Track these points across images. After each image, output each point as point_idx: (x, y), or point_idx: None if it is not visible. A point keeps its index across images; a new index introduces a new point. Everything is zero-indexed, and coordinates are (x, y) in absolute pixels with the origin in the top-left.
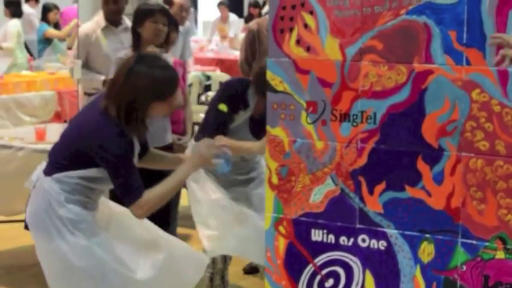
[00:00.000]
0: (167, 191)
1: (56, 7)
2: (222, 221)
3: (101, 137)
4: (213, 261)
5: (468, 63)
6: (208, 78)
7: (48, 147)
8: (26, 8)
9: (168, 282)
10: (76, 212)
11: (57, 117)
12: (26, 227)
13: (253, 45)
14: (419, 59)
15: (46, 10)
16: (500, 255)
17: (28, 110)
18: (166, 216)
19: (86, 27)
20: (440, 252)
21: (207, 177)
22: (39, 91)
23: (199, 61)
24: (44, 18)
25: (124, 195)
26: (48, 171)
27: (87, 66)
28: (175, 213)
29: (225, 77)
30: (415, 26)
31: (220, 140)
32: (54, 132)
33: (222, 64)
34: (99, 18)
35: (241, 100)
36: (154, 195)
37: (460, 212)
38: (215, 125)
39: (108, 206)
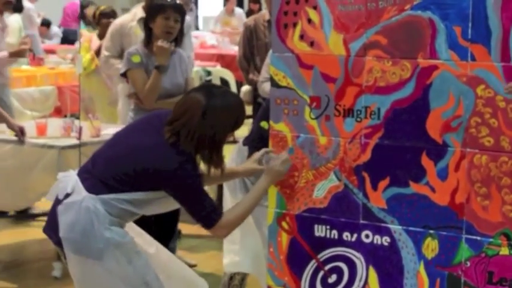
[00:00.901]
0: (246, 208)
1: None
2: (248, 237)
3: (172, 167)
4: (231, 277)
5: (473, 58)
6: (208, 73)
7: (50, 141)
8: (25, 3)
9: None
10: (120, 233)
11: (58, 111)
12: (57, 243)
13: (251, 41)
14: (424, 55)
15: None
16: (505, 251)
17: (28, 104)
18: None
19: (122, 18)
20: (445, 248)
21: (243, 189)
22: (39, 86)
23: (199, 56)
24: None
25: (204, 219)
26: (92, 189)
27: (122, 57)
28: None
29: (225, 72)
30: (420, 21)
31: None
32: (55, 126)
33: (223, 59)
34: (137, 10)
35: None
36: (235, 215)
37: (464, 208)
38: (255, 142)
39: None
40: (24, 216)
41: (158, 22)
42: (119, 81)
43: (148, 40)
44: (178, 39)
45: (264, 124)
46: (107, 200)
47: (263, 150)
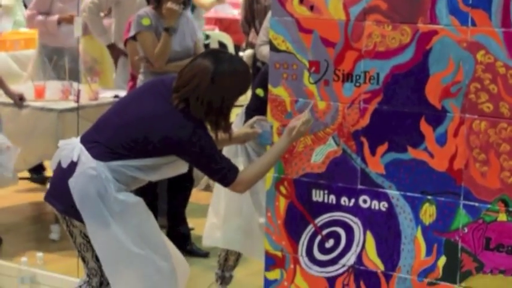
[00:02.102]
0: (265, 166)
1: None
2: (231, 211)
3: (189, 132)
4: (226, 259)
5: (473, 24)
6: (207, 37)
7: (48, 104)
8: None
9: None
10: (130, 195)
11: None
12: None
13: (252, 5)
14: (424, 20)
15: None
16: (502, 217)
17: (26, 67)
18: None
19: None
20: (442, 214)
21: (244, 152)
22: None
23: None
24: None
25: (223, 178)
26: (99, 156)
27: (112, 14)
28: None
29: (223, 35)
30: None
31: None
32: (53, 89)
33: (221, 23)
34: None
35: None
36: (253, 171)
37: (462, 174)
38: (252, 110)
39: None
40: (39, 178)
41: None
42: (95, 34)
43: (158, 2)
44: (186, 1)
45: (259, 91)
46: (116, 167)
47: (255, 117)
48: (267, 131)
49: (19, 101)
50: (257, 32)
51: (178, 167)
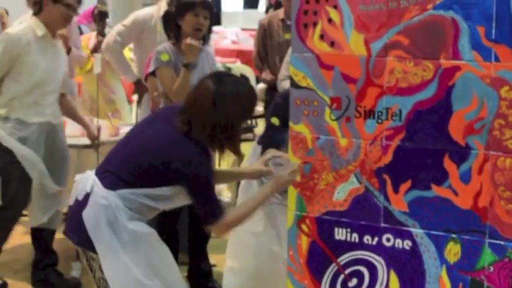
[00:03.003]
0: (249, 211)
1: None
2: (248, 255)
3: (187, 156)
4: None
5: (497, 59)
6: (229, 70)
7: (69, 141)
8: None
9: None
10: (142, 225)
11: None
12: (79, 243)
13: (265, 40)
14: (447, 55)
15: None
16: None
17: None
18: None
19: (145, 12)
20: (467, 252)
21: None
22: None
23: (219, 52)
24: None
25: (208, 215)
26: (110, 185)
27: (134, 51)
28: None
29: (245, 68)
30: (442, 21)
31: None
32: (74, 125)
33: (243, 55)
34: (161, 4)
35: None
36: (236, 215)
37: (487, 212)
38: (268, 140)
39: None
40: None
41: (187, 19)
42: (120, 72)
43: (177, 38)
44: (206, 36)
45: (274, 120)
46: (125, 194)
47: (270, 154)
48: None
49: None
50: (270, 68)
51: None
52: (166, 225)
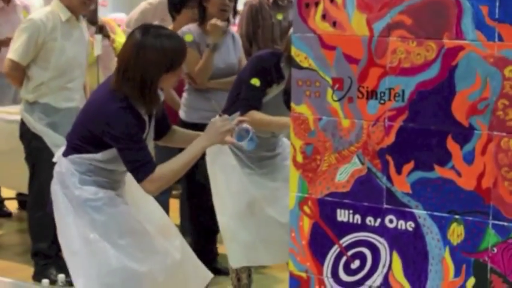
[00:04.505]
0: (180, 166)
1: None
2: (240, 229)
3: (106, 114)
4: (238, 279)
5: (500, 39)
6: None
7: None
8: None
9: (173, 283)
10: (92, 191)
11: None
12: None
13: (256, 21)
14: (450, 35)
15: None
16: None
17: None
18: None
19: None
20: (471, 233)
21: (236, 163)
22: None
23: None
24: None
25: (134, 171)
26: (65, 152)
27: None
28: None
29: None
30: (445, 0)
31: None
32: None
33: None
34: None
35: (274, 73)
36: (167, 170)
37: (491, 193)
38: (247, 100)
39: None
40: None
41: (213, 0)
42: None
43: (202, 18)
44: (231, 18)
45: (255, 81)
46: (74, 159)
47: (237, 119)
48: (250, 134)
49: None
50: (260, 50)
51: None
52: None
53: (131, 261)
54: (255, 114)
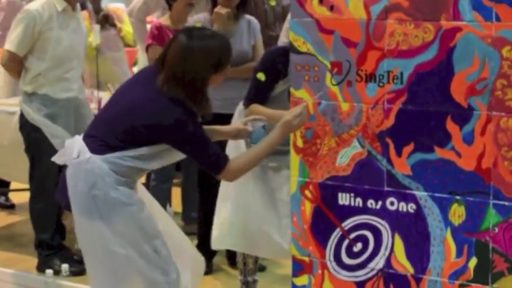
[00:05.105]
0: (256, 156)
1: None
2: (236, 211)
3: (170, 121)
4: (244, 263)
5: (498, 19)
6: None
7: None
8: None
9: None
10: (127, 194)
11: None
12: (66, 207)
13: (249, 8)
14: (447, 16)
15: None
16: None
17: None
18: None
19: None
20: (472, 214)
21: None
22: None
23: None
24: None
25: (210, 167)
26: (96, 150)
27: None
28: None
29: None
30: None
31: (256, 108)
32: None
33: None
34: None
35: (283, 69)
36: (243, 161)
37: (491, 173)
38: (252, 94)
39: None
40: None
41: None
42: (138, 40)
43: (213, 7)
44: (242, 5)
45: (260, 75)
46: (111, 159)
47: (252, 116)
48: (259, 130)
49: None
50: None
51: (177, 153)
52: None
53: (153, 271)
54: (257, 108)
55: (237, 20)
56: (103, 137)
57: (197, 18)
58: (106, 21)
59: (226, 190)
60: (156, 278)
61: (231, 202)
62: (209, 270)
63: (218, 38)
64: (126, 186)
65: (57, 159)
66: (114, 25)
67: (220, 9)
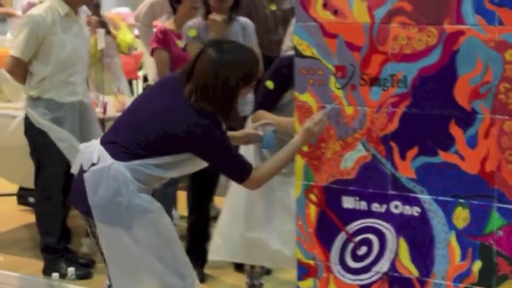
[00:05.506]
0: (278, 164)
1: None
2: (232, 222)
3: (198, 133)
4: (252, 266)
5: (501, 23)
6: None
7: None
8: None
9: None
10: (149, 200)
11: None
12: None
13: (249, 13)
14: (450, 20)
15: None
16: None
17: None
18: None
19: None
20: (476, 217)
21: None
22: None
23: None
24: None
25: (235, 175)
26: (117, 156)
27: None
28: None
29: None
30: None
31: (263, 115)
32: None
33: None
34: None
35: (291, 78)
36: (266, 169)
37: (495, 176)
38: (258, 101)
39: None
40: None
41: None
42: (144, 45)
43: (206, 12)
44: (235, 7)
45: (269, 84)
46: (134, 166)
47: (262, 121)
48: (270, 134)
49: None
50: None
51: (199, 162)
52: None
53: (171, 275)
54: (263, 114)
55: (231, 23)
56: (125, 144)
57: (192, 24)
58: (102, 27)
59: (230, 199)
60: (173, 282)
61: (229, 210)
62: (201, 278)
63: (247, 51)
64: (146, 193)
65: (74, 169)
66: (108, 32)
67: (216, 16)
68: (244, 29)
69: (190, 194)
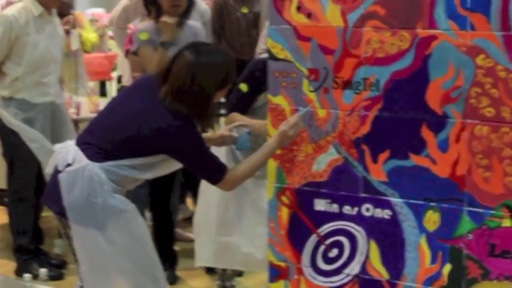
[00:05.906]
0: (254, 165)
1: None
2: (203, 228)
3: (171, 133)
4: (223, 268)
5: (472, 28)
6: None
7: None
8: None
9: None
10: (123, 201)
11: None
12: (58, 213)
13: (221, 16)
14: (423, 25)
15: None
16: (507, 223)
17: None
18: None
19: None
20: (446, 220)
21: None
22: None
23: None
24: None
25: (210, 176)
26: (93, 157)
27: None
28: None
29: None
30: None
31: (236, 117)
32: None
33: None
34: None
35: (265, 80)
36: (241, 171)
37: (465, 180)
38: (232, 104)
39: None
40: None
41: None
42: (121, 49)
43: (158, 16)
44: (187, 11)
45: (242, 86)
46: (108, 167)
47: (238, 123)
48: (244, 136)
49: None
50: (229, 44)
51: (173, 164)
52: (157, 204)
53: (144, 277)
54: (236, 117)
55: (181, 27)
56: (100, 145)
57: (143, 27)
58: (64, 25)
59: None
60: (146, 285)
61: (201, 214)
62: (172, 280)
63: (224, 54)
64: (120, 194)
65: (48, 170)
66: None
67: (168, 19)
68: (194, 33)
69: (149, 194)
